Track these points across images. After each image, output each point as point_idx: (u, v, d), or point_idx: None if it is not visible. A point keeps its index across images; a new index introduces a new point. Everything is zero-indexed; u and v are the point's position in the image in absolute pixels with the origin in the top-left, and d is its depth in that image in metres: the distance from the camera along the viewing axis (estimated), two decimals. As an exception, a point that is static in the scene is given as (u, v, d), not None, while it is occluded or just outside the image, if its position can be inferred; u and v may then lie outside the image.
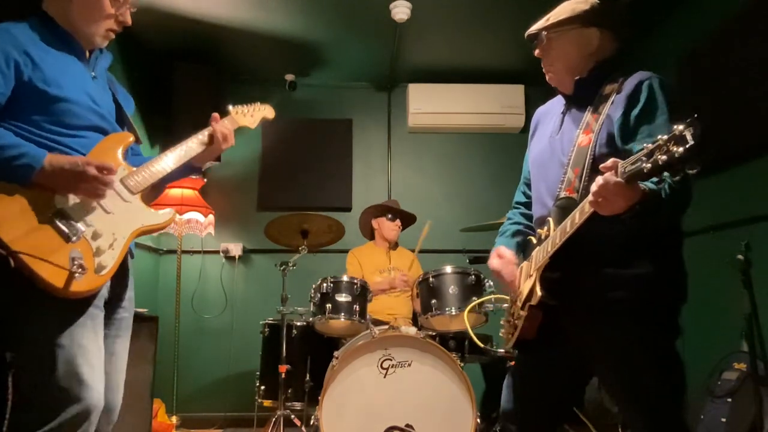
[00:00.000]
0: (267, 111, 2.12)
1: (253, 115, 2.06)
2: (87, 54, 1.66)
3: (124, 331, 1.69)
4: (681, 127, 1.08)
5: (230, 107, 2.00)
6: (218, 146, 1.82)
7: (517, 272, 1.67)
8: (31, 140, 1.46)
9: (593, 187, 1.28)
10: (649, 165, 1.13)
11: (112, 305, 1.62)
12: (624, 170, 1.20)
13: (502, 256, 1.71)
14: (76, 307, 1.46)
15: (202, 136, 1.82)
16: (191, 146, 1.78)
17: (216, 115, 1.87)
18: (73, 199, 1.47)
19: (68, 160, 1.44)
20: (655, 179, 1.31)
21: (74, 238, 1.45)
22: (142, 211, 1.63)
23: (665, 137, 1.10)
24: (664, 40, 3.67)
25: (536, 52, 1.69)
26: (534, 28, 1.68)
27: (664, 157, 1.09)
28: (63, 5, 1.59)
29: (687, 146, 1.06)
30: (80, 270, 1.41)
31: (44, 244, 1.40)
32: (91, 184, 1.46)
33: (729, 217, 2.95)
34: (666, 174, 1.13)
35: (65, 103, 1.51)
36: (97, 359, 1.49)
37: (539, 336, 1.57)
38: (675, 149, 1.07)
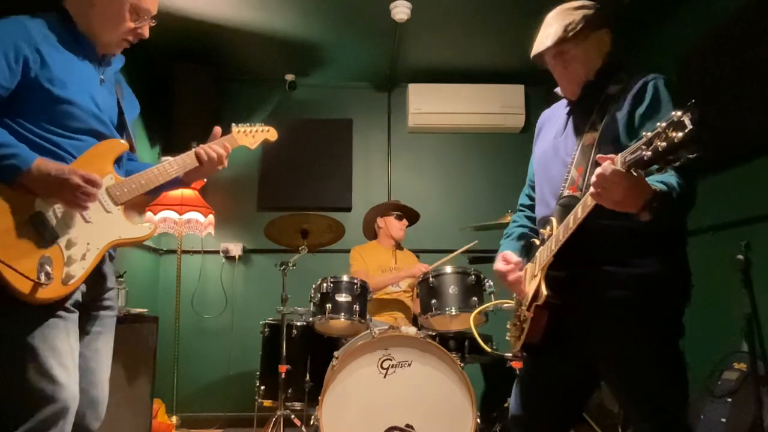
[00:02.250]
0: (270, 134, 2.08)
1: (254, 135, 2.03)
2: (99, 57, 1.65)
3: (106, 327, 1.67)
4: (679, 112, 1.08)
5: (233, 126, 1.98)
6: (207, 168, 1.80)
7: (522, 275, 1.66)
8: (27, 138, 1.45)
9: (593, 178, 1.27)
10: (649, 153, 1.13)
11: (91, 305, 1.61)
12: (625, 159, 1.20)
13: (507, 261, 1.69)
14: (46, 308, 1.44)
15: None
16: (186, 161, 1.76)
17: (217, 129, 1.85)
18: (53, 204, 1.46)
19: (55, 167, 1.43)
20: (659, 177, 1.31)
21: (47, 244, 1.43)
22: (122, 223, 1.61)
23: (664, 124, 1.10)
24: (664, 40, 3.67)
25: (554, 67, 1.64)
26: (551, 43, 1.59)
27: (664, 144, 1.09)
28: (84, 8, 1.58)
29: (686, 131, 1.06)
30: (46, 278, 1.40)
31: (16, 246, 1.38)
32: (73, 193, 1.44)
33: (729, 217, 2.95)
34: (669, 164, 1.12)
35: (67, 105, 1.50)
36: (70, 360, 1.48)
37: (546, 338, 1.55)
38: (674, 135, 1.07)
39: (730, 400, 2.50)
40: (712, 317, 2.87)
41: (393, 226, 3.70)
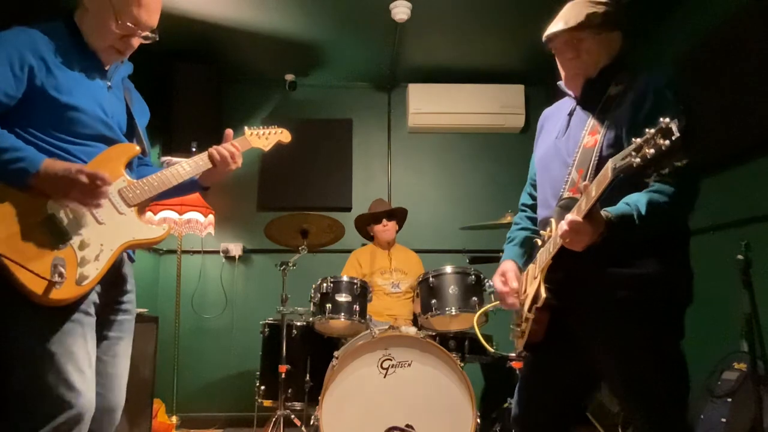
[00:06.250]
0: (283, 135, 2.09)
1: (268, 137, 2.04)
2: (103, 64, 1.66)
3: (125, 333, 1.68)
4: (667, 119, 1.09)
5: (246, 128, 1.99)
6: (221, 168, 1.78)
7: (523, 278, 1.67)
8: (37, 145, 1.46)
9: (559, 231, 1.37)
10: (638, 159, 1.14)
11: (110, 308, 1.62)
12: (615, 165, 1.21)
13: (506, 281, 1.69)
14: (63, 312, 1.44)
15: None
16: (198, 162, 1.76)
17: (229, 131, 1.85)
18: (65, 206, 1.47)
19: (62, 166, 1.44)
20: (627, 199, 1.37)
21: (60, 246, 1.44)
22: (136, 224, 1.62)
23: (653, 131, 1.11)
24: (663, 40, 3.67)
25: (563, 54, 1.65)
26: (554, 31, 1.62)
27: (652, 150, 1.10)
28: (81, 15, 1.61)
29: (673, 138, 1.07)
30: (59, 279, 1.40)
31: (29, 248, 1.39)
32: (81, 192, 1.45)
33: (729, 217, 2.95)
34: (658, 170, 1.14)
35: (74, 112, 1.51)
36: (87, 365, 1.48)
37: (548, 338, 1.56)
38: (662, 142, 1.08)
39: (730, 400, 2.50)
40: (712, 317, 2.87)
41: (377, 230, 3.71)
